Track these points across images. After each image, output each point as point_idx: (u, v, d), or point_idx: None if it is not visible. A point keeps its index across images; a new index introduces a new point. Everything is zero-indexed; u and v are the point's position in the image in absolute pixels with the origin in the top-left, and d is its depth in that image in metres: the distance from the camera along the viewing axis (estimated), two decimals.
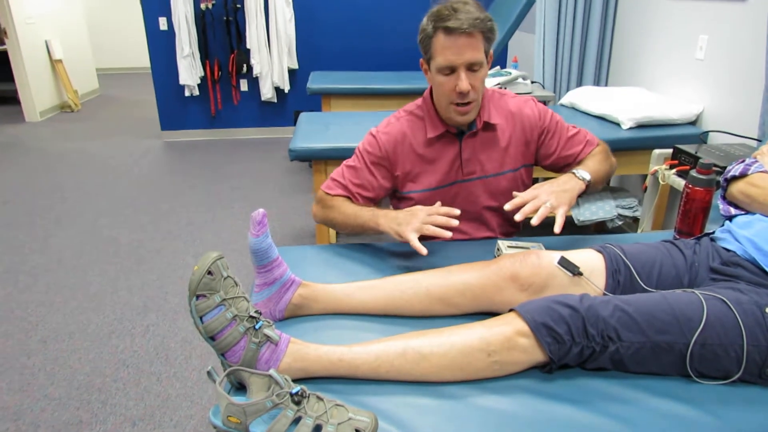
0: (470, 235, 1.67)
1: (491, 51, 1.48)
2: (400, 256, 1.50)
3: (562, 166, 1.65)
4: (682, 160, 2.08)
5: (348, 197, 1.58)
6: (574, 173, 1.49)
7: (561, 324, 1.02)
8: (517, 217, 1.34)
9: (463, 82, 1.40)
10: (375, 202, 1.62)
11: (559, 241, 1.55)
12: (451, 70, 1.42)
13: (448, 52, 1.39)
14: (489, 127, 1.57)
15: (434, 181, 1.59)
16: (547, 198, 1.36)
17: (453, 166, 1.58)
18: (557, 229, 1.33)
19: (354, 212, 1.51)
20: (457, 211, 1.36)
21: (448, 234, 1.32)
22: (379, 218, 1.44)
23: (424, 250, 1.31)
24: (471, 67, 1.41)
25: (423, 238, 1.34)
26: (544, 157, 1.64)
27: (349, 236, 3.27)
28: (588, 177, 1.48)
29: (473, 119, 1.54)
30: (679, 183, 2.01)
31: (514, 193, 1.40)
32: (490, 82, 3.17)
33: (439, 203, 1.42)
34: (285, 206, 3.71)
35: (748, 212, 1.30)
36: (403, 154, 1.58)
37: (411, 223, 1.35)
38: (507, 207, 1.37)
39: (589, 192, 1.54)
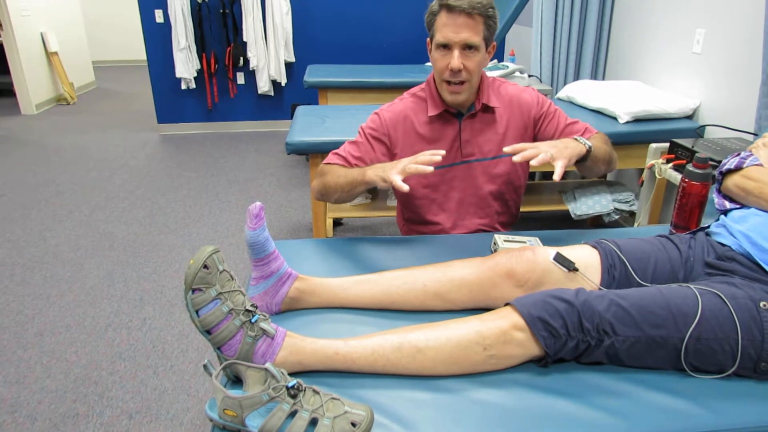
0: (468, 220, 1.68)
1: (494, 42, 1.53)
2: (397, 251, 1.51)
3: None
4: (678, 154, 2.08)
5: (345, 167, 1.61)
6: (576, 138, 1.50)
7: (557, 318, 1.02)
8: (516, 158, 1.35)
9: (455, 60, 1.46)
10: None
11: (555, 235, 1.56)
12: (447, 48, 1.48)
13: (446, 29, 1.45)
14: (488, 109, 1.62)
15: (435, 163, 1.60)
16: (547, 149, 1.37)
17: (452, 147, 1.63)
18: (556, 177, 1.33)
19: (345, 172, 1.55)
20: (442, 151, 1.37)
21: (429, 169, 1.33)
22: (366, 171, 1.47)
23: (405, 187, 1.33)
24: (466, 48, 1.46)
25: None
26: (543, 141, 1.65)
27: (348, 230, 3.27)
28: (589, 144, 1.48)
29: (470, 101, 1.59)
30: (676, 177, 2.02)
31: (510, 148, 1.40)
32: None
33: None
34: (282, 200, 3.71)
35: (743, 206, 1.30)
36: (404, 133, 1.62)
37: (395, 166, 1.39)
38: (506, 149, 1.38)
39: (588, 168, 1.54)
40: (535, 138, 1.68)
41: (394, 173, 1.36)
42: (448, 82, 1.51)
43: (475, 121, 1.62)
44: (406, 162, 1.38)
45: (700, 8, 2.52)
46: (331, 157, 1.65)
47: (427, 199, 1.68)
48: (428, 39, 1.57)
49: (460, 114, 1.61)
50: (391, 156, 1.64)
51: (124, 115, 6.11)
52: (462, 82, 1.50)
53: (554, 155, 1.36)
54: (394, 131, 1.63)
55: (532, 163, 1.33)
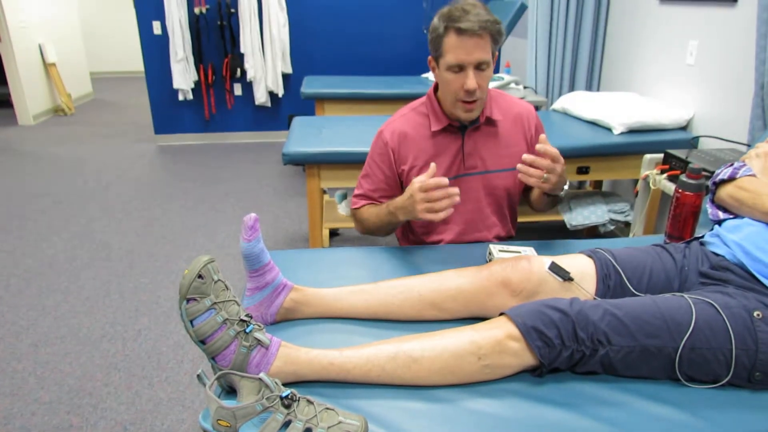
0: (466, 234, 1.69)
1: (497, 52, 1.54)
2: (392, 261, 1.51)
3: None
4: (672, 165, 2.09)
5: (371, 204, 1.67)
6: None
7: (551, 328, 1.02)
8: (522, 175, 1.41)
9: (471, 80, 1.46)
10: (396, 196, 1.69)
11: (551, 246, 1.56)
12: (460, 69, 1.47)
13: (458, 51, 1.44)
14: (491, 122, 1.63)
15: (438, 175, 1.60)
16: (556, 178, 1.41)
17: (455, 159, 1.63)
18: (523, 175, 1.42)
19: (376, 214, 1.60)
20: (446, 180, 1.36)
21: (444, 180, 1.35)
22: (396, 214, 1.49)
23: (442, 216, 1.36)
24: (479, 67, 1.47)
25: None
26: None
27: (344, 240, 3.27)
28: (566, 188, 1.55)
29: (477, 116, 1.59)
30: (670, 188, 2.03)
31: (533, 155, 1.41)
32: None
33: (423, 177, 1.39)
34: (278, 210, 3.71)
35: (736, 216, 1.30)
36: (408, 149, 1.63)
37: (415, 208, 1.38)
38: (539, 147, 1.38)
39: (539, 203, 1.65)
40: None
41: (423, 212, 1.37)
42: (463, 101, 1.51)
43: (478, 134, 1.62)
44: (419, 200, 1.36)
45: (693, 20, 2.54)
46: (354, 201, 1.71)
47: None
48: (431, 57, 1.56)
49: (463, 127, 1.61)
50: (399, 170, 1.65)
51: (122, 126, 6.11)
52: (476, 99, 1.50)
53: (551, 182, 1.41)
54: (397, 147, 1.63)
55: (527, 179, 1.40)
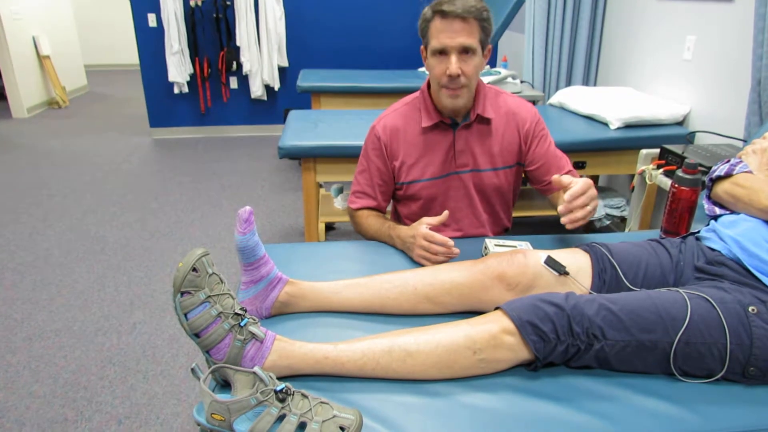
0: (462, 230, 1.68)
1: (489, 45, 1.52)
2: (387, 254, 1.51)
3: (545, 179, 1.65)
4: (669, 160, 2.09)
5: (370, 206, 1.68)
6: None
7: (546, 322, 1.02)
8: (564, 221, 1.32)
9: (453, 65, 1.44)
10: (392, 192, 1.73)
11: (546, 240, 1.56)
12: (444, 53, 1.46)
13: (441, 35, 1.44)
14: (483, 120, 1.60)
15: (429, 172, 1.62)
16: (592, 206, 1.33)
17: (447, 156, 1.62)
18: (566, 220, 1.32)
19: (376, 230, 1.62)
20: (451, 242, 1.38)
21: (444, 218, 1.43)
22: (394, 240, 1.53)
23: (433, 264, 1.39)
24: (463, 52, 1.45)
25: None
26: (530, 162, 1.66)
27: (340, 234, 3.27)
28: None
29: (466, 109, 1.57)
30: (666, 183, 2.03)
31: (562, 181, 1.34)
32: None
33: (434, 220, 1.43)
34: (274, 204, 3.70)
35: (732, 212, 1.31)
36: (399, 144, 1.62)
37: (414, 251, 1.44)
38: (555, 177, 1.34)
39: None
40: (525, 155, 1.66)
41: (418, 257, 1.42)
42: (447, 87, 1.49)
43: (470, 131, 1.60)
44: (419, 247, 1.41)
45: (691, 15, 2.54)
46: (351, 198, 1.70)
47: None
48: (422, 47, 1.54)
49: (455, 124, 1.60)
50: (392, 165, 1.65)
51: (117, 119, 6.08)
52: (461, 86, 1.48)
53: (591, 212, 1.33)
54: (389, 142, 1.62)
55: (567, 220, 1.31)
